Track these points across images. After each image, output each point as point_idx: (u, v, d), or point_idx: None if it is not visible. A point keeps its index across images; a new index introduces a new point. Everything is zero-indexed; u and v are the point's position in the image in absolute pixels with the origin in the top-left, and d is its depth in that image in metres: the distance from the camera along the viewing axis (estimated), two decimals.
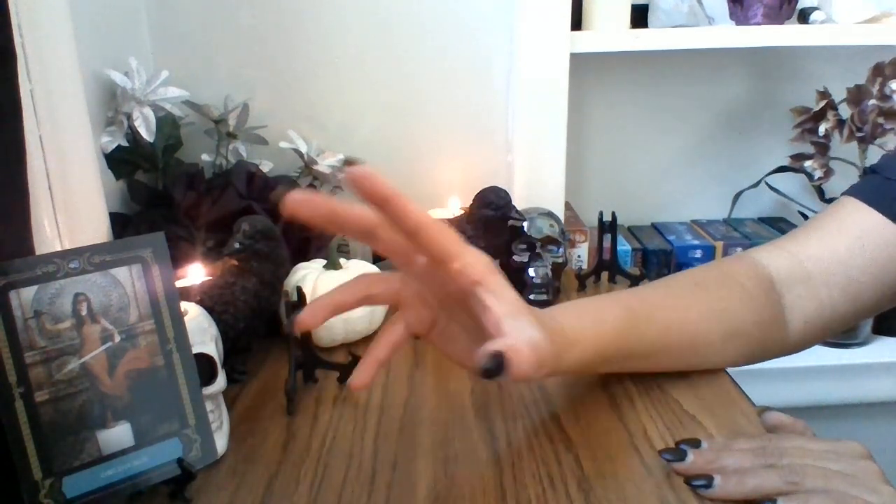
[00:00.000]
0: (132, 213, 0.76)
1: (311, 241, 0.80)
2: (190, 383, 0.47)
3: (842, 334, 1.03)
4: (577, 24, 0.89)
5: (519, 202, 0.81)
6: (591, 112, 1.10)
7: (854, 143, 0.99)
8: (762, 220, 1.16)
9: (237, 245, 0.62)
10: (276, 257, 0.65)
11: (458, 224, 0.76)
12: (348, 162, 0.38)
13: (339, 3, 0.86)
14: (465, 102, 0.90)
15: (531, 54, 0.85)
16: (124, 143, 0.74)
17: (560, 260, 0.79)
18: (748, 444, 0.45)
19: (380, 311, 0.70)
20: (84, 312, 0.44)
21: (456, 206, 0.85)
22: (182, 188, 0.76)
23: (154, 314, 0.46)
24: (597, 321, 0.50)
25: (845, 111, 0.99)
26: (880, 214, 0.56)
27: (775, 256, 0.59)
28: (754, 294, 0.57)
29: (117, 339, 0.45)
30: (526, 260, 0.78)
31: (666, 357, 0.55)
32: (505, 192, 0.75)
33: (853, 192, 0.59)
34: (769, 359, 0.60)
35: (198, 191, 0.76)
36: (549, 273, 0.77)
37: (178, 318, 0.47)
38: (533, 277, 0.77)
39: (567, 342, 0.46)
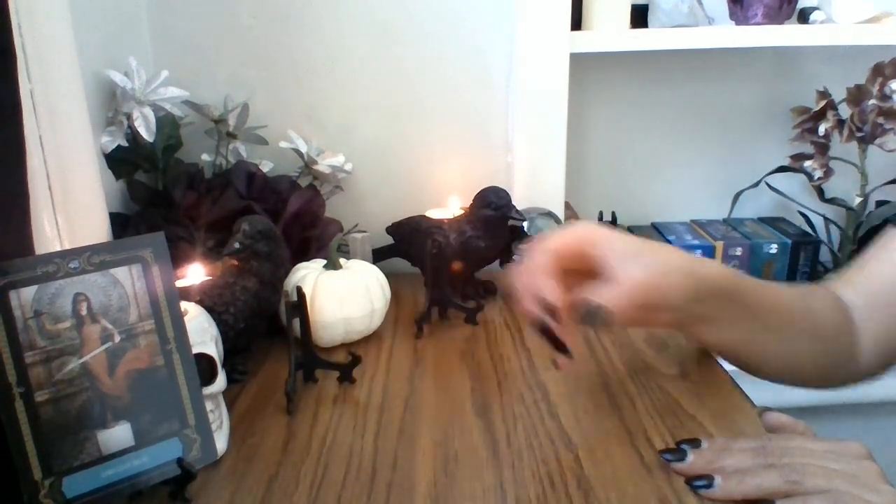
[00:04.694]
0: (132, 213, 0.76)
1: (311, 241, 0.80)
2: (190, 383, 0.47)
3: None
4: (577, 24, 0.89)
5: (519, 202, 0.81)
6: (591, 112, 1.10)
7: (854, 143, 0.99)
8: (762, 220, 1.16)
9: (237, 245, 0.62)
10: (276, 257, 0.65)
11: (458, 224, 0.76)
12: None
13: (339, 3, 0.86)
14: (465, 102, 0.90)
15: (531, 54, 0.85)
16: (124, 143, 0.74)
17: None
18: (748, 444, 0.45)
19: (379, 312, 0.70)
20: (84, 312, 0.44)
21: (456, 206, 0.85)
22: (182, 188, 0.76)
23: (154, 314, 0.46)
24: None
25: (845, 111, 0.99)
26: None
27: (840, 287, 0.61)
28: (831, 304, 0.58)
29: (117, 339, 0.45)
30: None
31: (754, 310, 0.54)
32: (505, 192, 0.75)
33: None
34: (839, 378, 0.60)
35: (198, 191, 0.76)
36: None
37: (178, 318, 0.47)
38: None
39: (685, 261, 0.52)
